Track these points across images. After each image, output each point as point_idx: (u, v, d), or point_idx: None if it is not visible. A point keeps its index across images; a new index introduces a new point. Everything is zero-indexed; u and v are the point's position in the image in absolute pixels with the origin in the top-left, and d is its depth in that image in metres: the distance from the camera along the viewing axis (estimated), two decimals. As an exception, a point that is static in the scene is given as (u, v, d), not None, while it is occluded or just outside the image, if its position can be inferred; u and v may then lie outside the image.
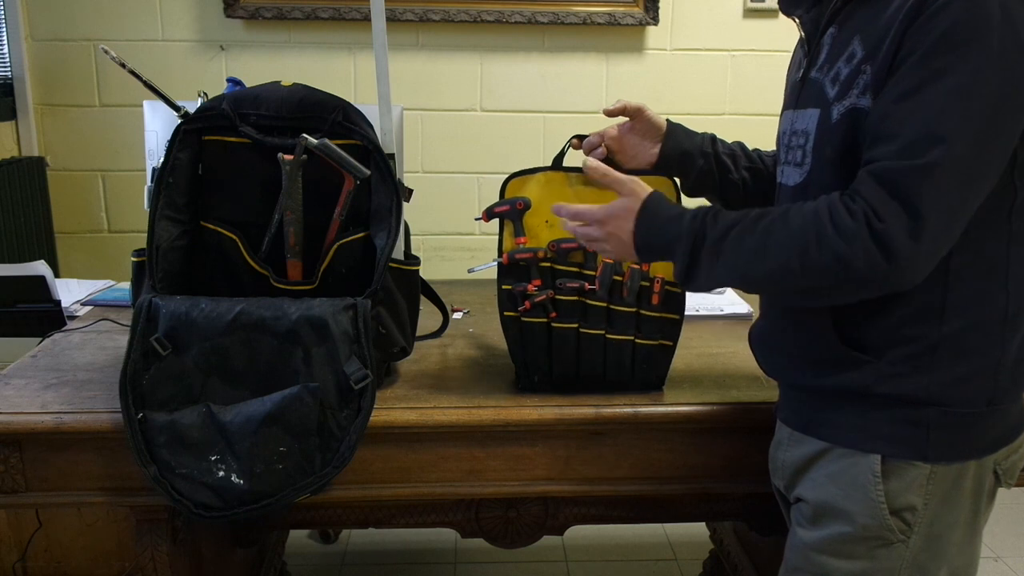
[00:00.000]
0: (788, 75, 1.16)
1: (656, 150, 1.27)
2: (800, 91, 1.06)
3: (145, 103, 1.49)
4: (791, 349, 1.06)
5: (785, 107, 1.12)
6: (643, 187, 1.07)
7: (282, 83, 1.26)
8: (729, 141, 1.29)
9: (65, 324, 1.60)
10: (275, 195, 1.23)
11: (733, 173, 1.26)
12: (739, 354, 1.43)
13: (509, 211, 1.25)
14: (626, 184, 1.07)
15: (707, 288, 1.02)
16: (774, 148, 1.23)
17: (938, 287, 0.93)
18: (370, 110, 1.27)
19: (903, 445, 0.97)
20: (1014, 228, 0.93)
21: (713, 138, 1.28)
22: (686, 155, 1.26)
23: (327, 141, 1.20)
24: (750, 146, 1.31)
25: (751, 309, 1.67)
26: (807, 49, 1.06)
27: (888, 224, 0.86)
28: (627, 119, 1.27)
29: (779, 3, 1.10)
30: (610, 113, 1.26)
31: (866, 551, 1.00)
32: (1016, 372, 0.98)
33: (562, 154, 1.28)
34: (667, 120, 1.28)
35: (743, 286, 1.01)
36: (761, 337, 1.14)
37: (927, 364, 0.95)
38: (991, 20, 0.84)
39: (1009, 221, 0.93)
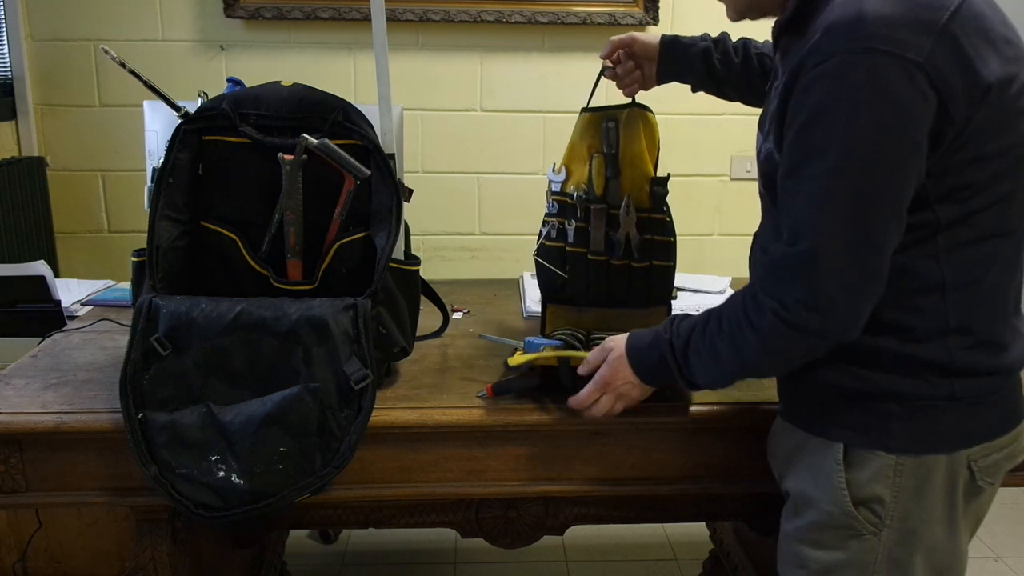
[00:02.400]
0: None
1: (655, 71, 1.39)
2: (766, 103, 1.10)
3: (145, 103, 1.49)
4: None
5: None
6: (617, 339, 1.15)
7: (282, 83, 1.26)
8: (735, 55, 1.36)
9: (65, 324, 1.60)
10: (275, 195, 1.23)
11: (724, 82, 1.37)
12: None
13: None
14: (603, 351, 1.15)
15: (713, 385, 1.08)
16: None
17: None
18: (370, 110, 1.27)
19: (865, 434, 0.99)
20: (941, 247, 0.94)
21: (706, 54, 1.35)
22: (679, 77, 1.39)
23: (327, 141, 1.20)
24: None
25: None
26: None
27: (792, 311, 0.93)
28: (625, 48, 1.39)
29: None
30: (607, 56, 1.40)
31: (836, 540, 1.02)
32: (982, 374, 0.98)
33: (594, 90, 1.39)
34: (661, 39, 1.37)
35: (724, 384, 1.08)
36: None
37: (880, 366, 0.97)
38: (859, 92, 0.86)
39: (936, 241, 0.94)
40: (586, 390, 1.16)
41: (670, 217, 1.38)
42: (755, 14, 1.07)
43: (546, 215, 1.44)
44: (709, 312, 1.05)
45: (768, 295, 0.96)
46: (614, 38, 1.38)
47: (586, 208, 1.39)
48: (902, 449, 0.97)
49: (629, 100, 1.39)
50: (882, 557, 1.00)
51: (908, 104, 0.86)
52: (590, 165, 1.39)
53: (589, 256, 1.41)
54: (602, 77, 1.41)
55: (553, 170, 1.43)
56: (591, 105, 1.40)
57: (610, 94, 1.43)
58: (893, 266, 0.94)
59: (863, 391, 0.98)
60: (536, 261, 1.45)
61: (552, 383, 1.24)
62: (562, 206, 1.42)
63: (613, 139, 1.37)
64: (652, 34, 1.37)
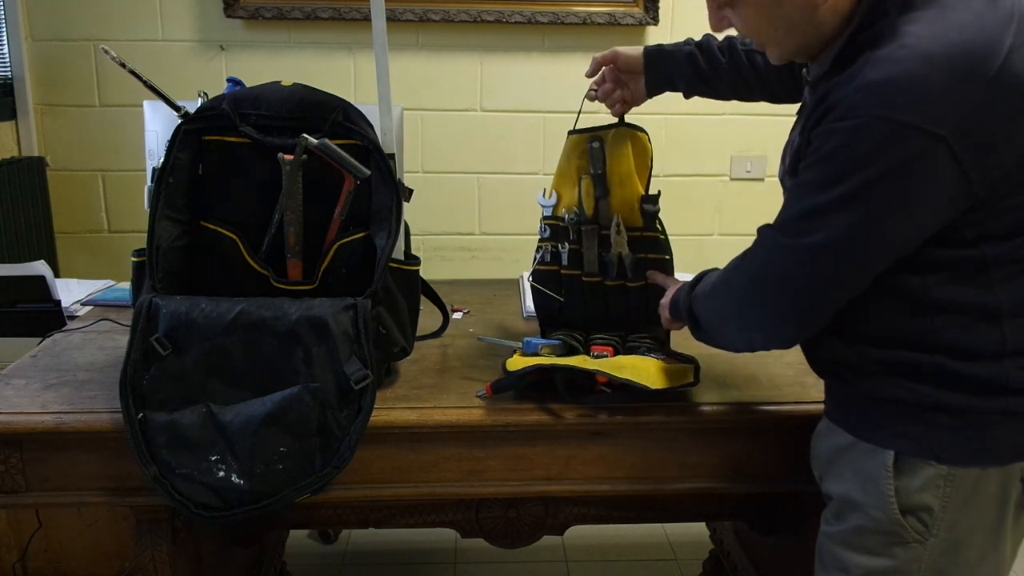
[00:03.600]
0: None
1: (643, 84, 1.36)
2: (794, 123, 1.10)
3: (145, 103, 1.49)
4: (812, 353, 1.12)
5: None
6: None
7: (282, 83, 1.26)
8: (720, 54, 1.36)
9: (65, 324, 1.60)
10: (275, 195, 1.23)
11: (715, 81, 1.35)
12: (739, 355, 1.43)
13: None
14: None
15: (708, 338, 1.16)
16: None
17: (924, 329, 0.96)
18: (370, 110, 1.27)
19: (917, 443, 0.98)
20: (995, 278, 0.94)
21: (691, 57, 1.33)
22: (669, 84, 1.37)
23: (327, 141, 1.20)
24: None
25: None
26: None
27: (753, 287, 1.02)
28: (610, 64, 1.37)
29: None
30: (592, 75, 1.38)
31: (881, 546, 1.01)
32: None
33: (579, 114, 1.38)
34: (644, 50, 1.35)
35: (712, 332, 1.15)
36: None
37: (931, 382, 0.97)
38: (864, 159, 0.87)
39: (988, 274, 0.94)
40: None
41: (664, 235, 1.38)
42: (802, 58, 1.05)
43: (540, 240, 1.44)
44: (713, 275, 1.13)
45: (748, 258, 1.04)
46: (597, 55, 1.36)
47: (578, 230, 1.39)
48: (954, 460, 0.97)
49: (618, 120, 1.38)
50: (925, 566, 1.00)
51: (913, 180, 0.87)
52: (579, 187, 1.39)
53: (583, 278, 1.40)
54: (585, 100, 1.39)
55: (544, 196, 1.42)
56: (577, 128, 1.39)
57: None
58: (948, 297, 0.94)
59: (916, 402, 0.98)
60: (532, 286, 1.45)
61: (551, 381, 1.24)
62: (554, 230, 1.42)
63: (599, 159, 1.36)
64: (635, 47, 1.36)
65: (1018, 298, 0.95)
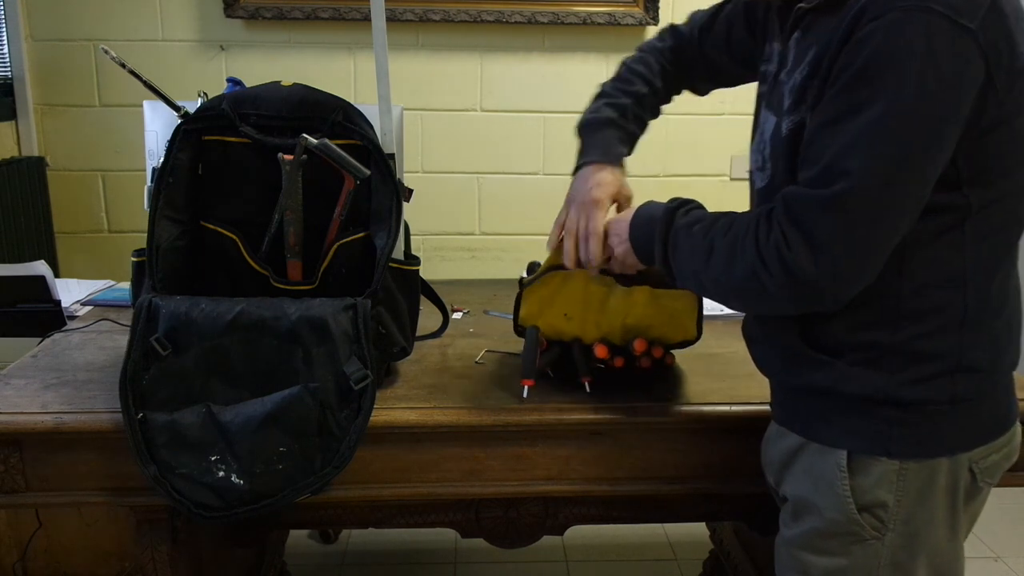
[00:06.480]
0: (760, 61, 1.15)
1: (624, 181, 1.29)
2: (770, 93, 1.07)
3: (145, 103, 1.49)
4: (765, 346, 1.10)
5: (757, 104, 1.13)
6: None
7: (282, 83, 1.26)
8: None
9: (65, 324, 1.60)
10: (275, 195, 1.23)
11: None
12: (739, 354, 1.43)
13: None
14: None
15: (678, 279, 1.06)
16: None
17: (892, 294, 0.95)
18: (370, 110, 1.27)
19: (867, 440, 0.98)
20: (967, 236, 0.94)
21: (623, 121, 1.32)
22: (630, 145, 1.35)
23: (327, 141, 1.20)
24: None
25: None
26: (780, 48, 1.06)
27: (794, 252, 0.90)
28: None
29: None
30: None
31: (840, 547, 1.01)
32: (982, 371, 0.97)
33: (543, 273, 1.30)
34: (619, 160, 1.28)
35: (693, 286, 1.05)
36: (746, 331, 1.16)
37: (883, 366, 0.96)
38: (912, 54, 0.84)
39: (963, 231, 0.93)
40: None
41: None
42: None
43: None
44: (723, 213, 1.02)
45: (781, 227, 0.92)
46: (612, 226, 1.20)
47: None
48: (904, 454, 0.97)
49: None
50: (885, 561, 1.00)
51: (957, 70, 0.85)
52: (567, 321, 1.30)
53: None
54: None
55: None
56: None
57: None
58: (922, 255, 0.93)
59: (862, 396, 0.97)
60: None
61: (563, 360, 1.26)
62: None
63: None
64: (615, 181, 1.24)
65: (981, 263, 0.95)
